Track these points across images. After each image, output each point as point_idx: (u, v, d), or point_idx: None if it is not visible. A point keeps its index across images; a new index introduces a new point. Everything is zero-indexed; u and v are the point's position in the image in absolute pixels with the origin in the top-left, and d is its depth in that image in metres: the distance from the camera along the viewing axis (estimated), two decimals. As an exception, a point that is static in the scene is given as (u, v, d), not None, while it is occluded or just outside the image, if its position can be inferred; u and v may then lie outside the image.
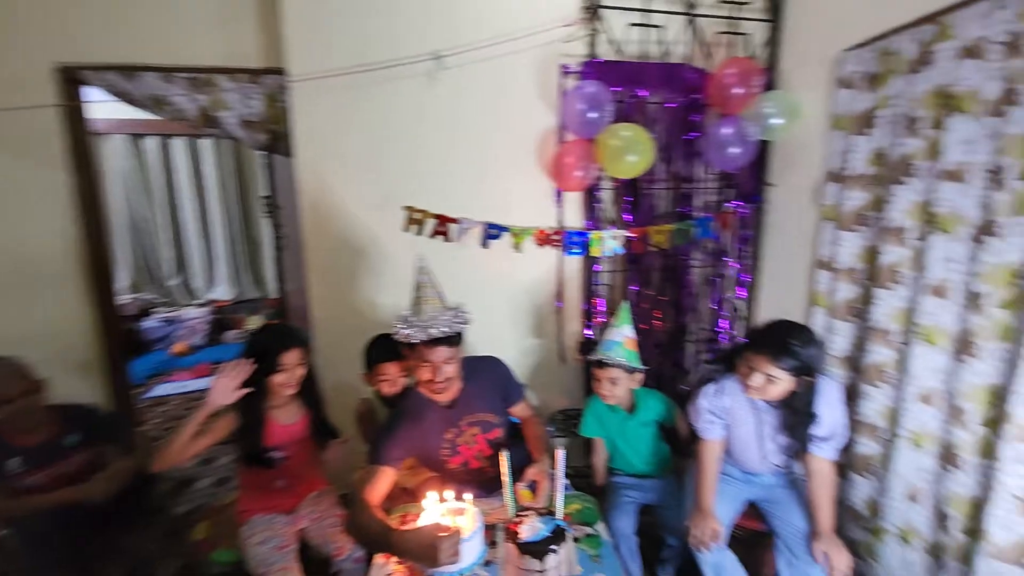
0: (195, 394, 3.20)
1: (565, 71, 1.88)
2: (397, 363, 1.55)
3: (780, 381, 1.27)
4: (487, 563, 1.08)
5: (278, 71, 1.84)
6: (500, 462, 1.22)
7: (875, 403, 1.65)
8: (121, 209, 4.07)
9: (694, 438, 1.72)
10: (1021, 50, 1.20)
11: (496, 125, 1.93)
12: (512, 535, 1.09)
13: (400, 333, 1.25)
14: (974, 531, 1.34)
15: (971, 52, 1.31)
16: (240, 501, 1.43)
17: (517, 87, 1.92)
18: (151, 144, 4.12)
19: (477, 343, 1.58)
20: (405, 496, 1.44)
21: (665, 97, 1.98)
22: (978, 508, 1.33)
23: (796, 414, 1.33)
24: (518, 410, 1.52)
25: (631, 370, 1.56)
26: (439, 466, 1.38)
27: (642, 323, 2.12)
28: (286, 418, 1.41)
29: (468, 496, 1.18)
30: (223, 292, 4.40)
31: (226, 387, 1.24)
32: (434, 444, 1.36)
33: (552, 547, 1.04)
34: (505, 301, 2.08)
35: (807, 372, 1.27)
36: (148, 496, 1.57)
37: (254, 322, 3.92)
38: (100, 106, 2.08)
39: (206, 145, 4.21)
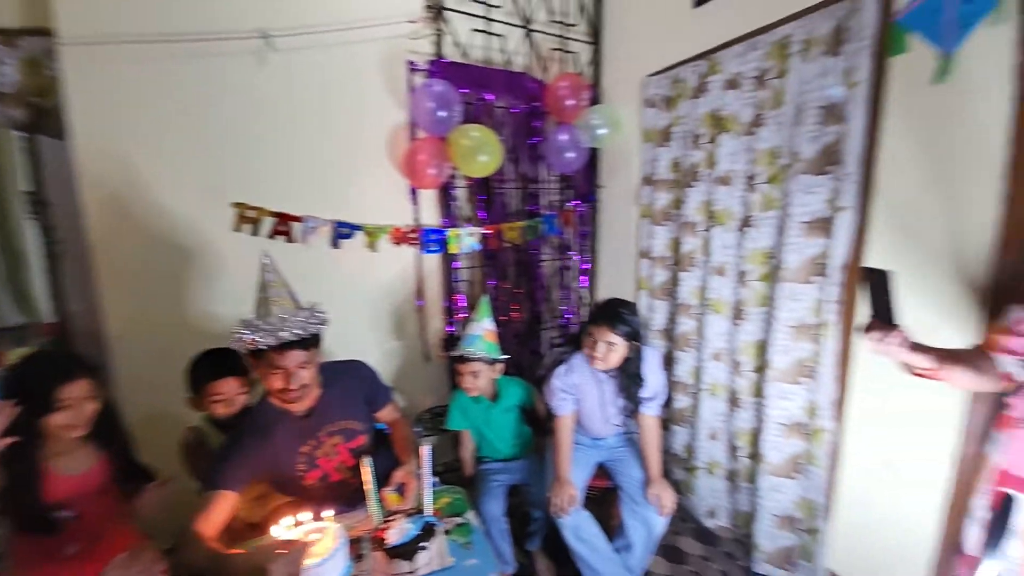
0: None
1: (413, 68, 1.87)
2: (234, 379, 1.35)
3: (617, 347, 1.48)
4: (353, 578, 1.02)
5: (43, 31, 1.44)
6: (362, 470, 1.16)
7: (685, 365, 2.02)
8: None
9: (550, 416, 1.88)
10: (765, 83, 1.58)
11: (342, 118, 1.82)
12: (379, 543, 1.05)
13: (243, 340, 1.09)
14: (755, 455, 1.74)
15: (732, 84, 1.70)
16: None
17: (364, 80, 1.84)
18: None
19: (336, 349, 1.48)
20: (251, 532, 1.26)
21: (509, 102, 2.11)
22: (756, 437, 1.72)
23: (629, 378, 1.56)
24: (385, 414, 1.46)
25: (492, 361, 1.63)
26: (295, 485, 1.25)
27: (501, 315, 2.24)
28: (73, 467, 1.11)
29: (328, 513, 1.09)
30: (-38, 320, 3.25)
31: None
32: (288, 460, 1.23)
33: (422, 544, 1.04)
34: (363, 303, 1.98)
35: (636, 337, 1.51)
36: None
37: (19, 355, 2.98)
38: None
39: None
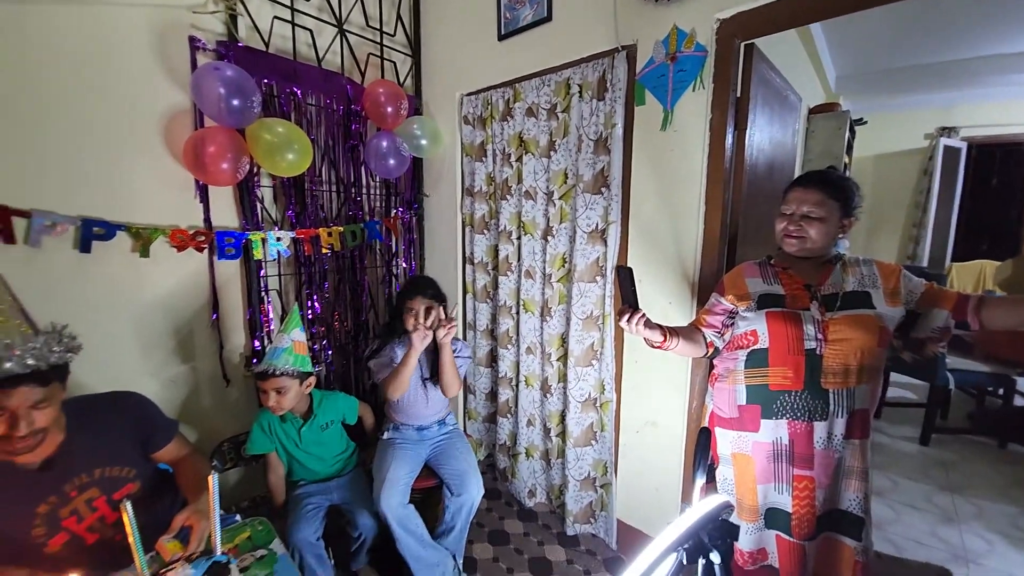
0: None
1: (196, 45, 1.63)
2: None
3: (432, 309, 1.64)
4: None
5: None
6: (123, 518, 0.95)
7: (507, 361, 2.21)
8: None
9: (378, 425, 1.84)
10: (556, 114, 1.85)
11: (96, 90, 1.46)
12: (149, 600, 0.88)
13: None
14: (563, 433, 2.00)
15: (531, 112, 1.94)
16: None
17: (126, 47, 1.51)
18: None
19: (95, 383, 1.18)
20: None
21: (324, 101, 2.00)
22: (563, 417, 1.98)
23: (434, 346, 1.70)
24: (168, 453, 1.22)
25: (302, 375, 1.51)
26: (32, 553, 0.96)
27: (321, 326, 2.09)
28: None
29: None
30: None
31: None
32: (17, 525, 0.96)
33: (208, 588, 0.90)
34: (132, 323, 1.61)
35: (442, 299, 1.73)
36: None
37: None
38: None
39: None
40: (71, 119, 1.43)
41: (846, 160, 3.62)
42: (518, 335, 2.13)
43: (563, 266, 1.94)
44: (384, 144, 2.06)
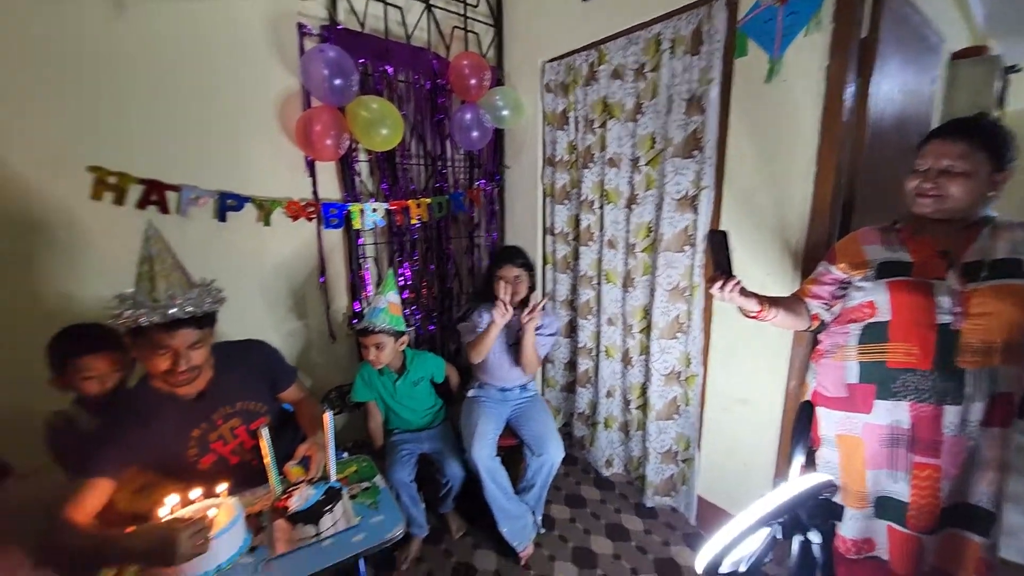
0: None
1: (303, 31, 1.77)
2: (106, 355, 1.22)
3: (522, 279, 1.77)
4: (252, 549, 1.00)
5: None
6: (260, 444, 1.12)
7: (587, 332, 2.21)
8: None
9: (463, 384, 1.95)
10: (643, 75, 1.76)
11: (222, 78, 1.66)
12: (281, 512, 1.04)
13: (122, 316, 0.99)
14: (644, 406, 1.97)
15: (617, 74, 1.86)
16: None
17: (247, 38, 1.70)
18: None
19: (231, 333, 1.39)
20: (132, 523, 1.16)
21: (412, 77, 2.09)
22: (644, 389, 1.95)
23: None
24: (289, 395, 1.41)
25: (396, 334, 1.65)
26: (186, 470, 1.17)
27: (411, 292, 2.24)
28: None
29: (221, 487, 1.05)
30: None
31: None
32: (176, 446, 1.16)
33: (326, 508, 1.05)
34: (258, 282, 1.86)
35: (530, 268, 1.85)
36: None
37: None
38: None
39: None
40: (206, 106, 1.65)
41: (997, 114, 3.01)
42: (599, 306, 2.11)
43: (648, 235, 1.87)
44: (468, 116, 2.11)
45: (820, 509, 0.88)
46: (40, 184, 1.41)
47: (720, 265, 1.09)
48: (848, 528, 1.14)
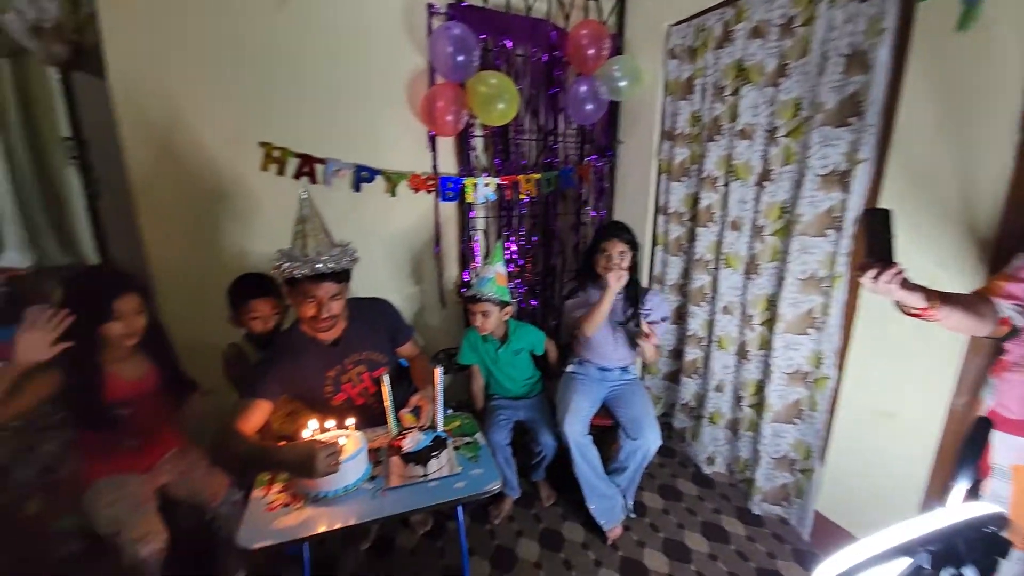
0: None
1: (432, 11, 1.87)
2: (269, 300, 1.49)
3: (626, 254, 1.68)
4: (372, 478, 1.14)
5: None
6: (382, 389, 1.27)
7: (698, 320, 2.06)
8: None
9: (562, 361, 1.97)
10: (791, 30, 1.54)
11: (361, 61, 1.84)
12: (396, 450, 1.16)
13: (281, 268, 1.20)
14: (759, 405, 1.80)
15: (757, 32, 1.65)
16: (82, 468, 1.25)
17: (382, 23, 1.85)
18: None
19: (359, 290, 1.57)
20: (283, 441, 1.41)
21: (529, 50, 2.09)
22: (761, 387, 1.78)
23: (629, 298, 1.74)
24: (406, 350, 1.56)
25: (502, 303, 1.71)
26: (323, 404, 1.38)
27: (515, 266, 2.30)
28: (130, 373, 1.25)
29: (350, 421, 1.21)
30: (14, 258, 3.48)
31: (37, 342, 1.05)
32: (315, 383, 1.35)
33: (434, 453, 1.15)
34: (383, 248, 2.06)
35: (636, 246, 1.72)
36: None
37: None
38: None
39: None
40: (349, 87, 1.84)
41: None
42: (714, 293, 1.95)
43: (780, 217, 1.67)
44: (583, 89, 2.05)
45: (983, 543, 0.73)
46: (225, 159, 1.71)
47: (875, 251, 0.92)
48: (1012, 571, 0.93)
